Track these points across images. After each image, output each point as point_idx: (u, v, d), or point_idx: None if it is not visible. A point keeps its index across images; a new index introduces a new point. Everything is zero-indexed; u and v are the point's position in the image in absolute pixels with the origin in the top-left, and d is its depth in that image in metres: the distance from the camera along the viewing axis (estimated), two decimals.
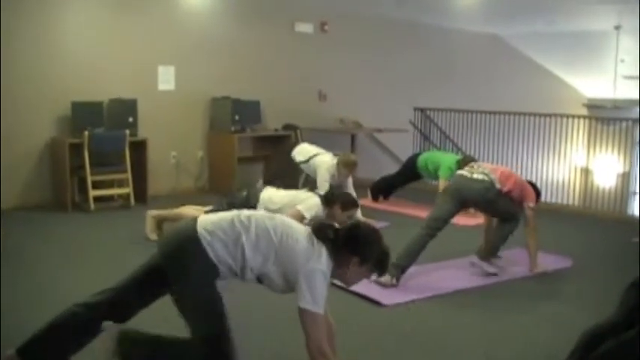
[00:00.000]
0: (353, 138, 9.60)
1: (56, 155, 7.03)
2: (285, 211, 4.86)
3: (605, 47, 10.94)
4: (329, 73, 9.63)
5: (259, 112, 8.55)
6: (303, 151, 6.74)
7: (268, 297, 2.89)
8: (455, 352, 3.54)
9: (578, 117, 9.34)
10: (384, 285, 4.43)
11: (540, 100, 11.60)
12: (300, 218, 4.73)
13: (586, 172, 10.42)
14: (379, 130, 9.77)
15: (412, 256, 4.60)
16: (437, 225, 4.75)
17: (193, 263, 2.62)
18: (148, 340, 2.73)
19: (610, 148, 9.65)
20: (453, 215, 4.80)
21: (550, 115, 9.09)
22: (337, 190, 5.77)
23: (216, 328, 2.63)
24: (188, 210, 5.60)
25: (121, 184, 7.25)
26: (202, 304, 2.64)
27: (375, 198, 7.80)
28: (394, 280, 4.47)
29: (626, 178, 10.47)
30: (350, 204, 5.10)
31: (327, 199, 5.09)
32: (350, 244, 2.69)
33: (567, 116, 9.10)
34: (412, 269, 4.65)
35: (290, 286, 2.66)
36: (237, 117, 8.17)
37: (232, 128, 8.14)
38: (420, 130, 10.20)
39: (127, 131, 7.10)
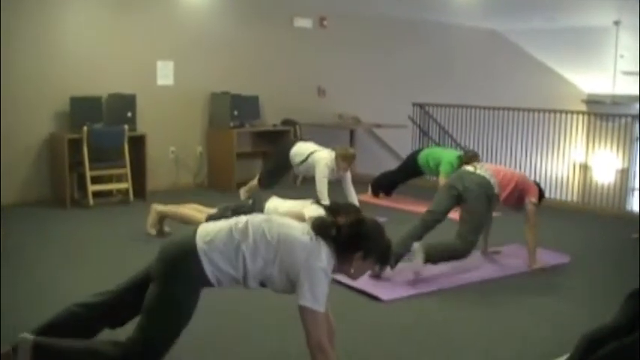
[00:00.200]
0: (352, 133, 9.60)
1: (55, 151, 7.02)
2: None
3: (604, 43, 10.93)
4: (328, 68, 9.62)
5: (258, 107, 8.55)
6: (299, 151, 6.68)
7: (269, 295, 2.88)
8: (454, 347, 3.54)
9: (577, 113, 9.33)
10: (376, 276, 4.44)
11: (539, 95, 11.60)
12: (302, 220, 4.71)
13: (585, 168, 10.43)
14: (378, 126, 9.77)
15: (406, 244, 4.59)
16: (432, 217, 4.76)
17: (180, 272, 2.60)
18: (62, 348, 2.66)
19: (609, 144, 9.65)
20: (448, 209, 4.80)
21: (549, 111, 9.09)
22: (342, 203, 5.73)
23: (157, 340, 2.61)
24: (191, 211, 5.58)
25: (119, 179, 7.25)
26: (163, 311, 2.61)
27: (375, 193, 7.80)
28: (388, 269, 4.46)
29: (625, 174, 10.47)
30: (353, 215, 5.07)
31: (332, 210, 5.07)
32: (353, 240, 2.68)
33: (566, 112, 9.09)
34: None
35: (294, 285, 2.64)
36: (236, 112, 8.16)
37: (231, 124, 8.13)
38: (419, 125, 10.19)
39: (126, 126, 7.09)
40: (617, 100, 11.80)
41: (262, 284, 2.70)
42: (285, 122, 8.86)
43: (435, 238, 4.74)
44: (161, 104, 7.90)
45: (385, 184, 7.83)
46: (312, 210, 4.98)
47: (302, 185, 8.28)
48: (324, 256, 2.62)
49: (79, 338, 2.74)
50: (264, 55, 8.84)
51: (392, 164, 8.74)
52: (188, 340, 3.11)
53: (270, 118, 8.87)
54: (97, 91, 7.25)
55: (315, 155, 6.54)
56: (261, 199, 5.26)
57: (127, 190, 7.17)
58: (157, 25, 7.84)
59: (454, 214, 4.92)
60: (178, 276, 2.61)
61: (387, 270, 4.39)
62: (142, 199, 7.16)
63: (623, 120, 9.21)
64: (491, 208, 4.89)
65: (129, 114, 7.30)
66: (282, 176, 7.13)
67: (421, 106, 10.18)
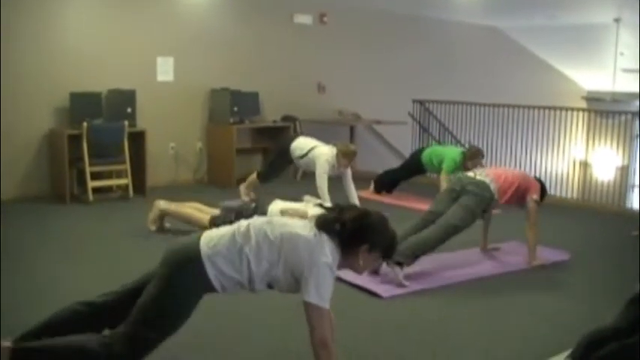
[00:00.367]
0: (352, 130, 9.60)
1: (55, 146, 7.01)
2: None
3: (604, 40, 10.92)
4: (328, 64, 9.61)
5: (258, 103, 8.54)
6: (300, 145, 6.69)
7: (268, 294, 2.87)
8: (454, 344, 3.54)
9: (578, 110, 9.33)
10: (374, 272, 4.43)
11: (539, 92, 11.58)
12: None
13: (585, 165, 10.42)
14: (378, 122, 9.76)
15: (406, 239, 4.59)
16: (430, 217, 4.76)
17: (182, 277, 2.60)
18: (42, 347, 2.64)
19: (609, 142, 9.64)
20: (447, 211, 4.78)
21: (549, 108, 9.08)
22: (344, 204, 5.73)
23: (144, 340, 2.60)
24: (194, 211, 5.57)
25: (119, 175, 7.24)
26: (157, 314, 2.60)
27: (378, 191, 7.80)
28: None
29: (625, 171, 10.46)
30: None
31: (335, 208, 5.05)
32: (359, 234, 2.67)
33: (566, 109, 9.09)
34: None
35: (299, 283, 2.62)
36: (235, 108, 8.15)
37: (231, 120, 8.13)
38: (419, 122, 10.19)
39: (126, 122, 7.08)
40: (617, 98, 11.79)
41: (269, 286, 2.69)
42: (285, 118, 8.86)
43: None
44: (161, 100, 7.89)
45: (387, 182, 7.83)
46: (316, 209, 4.97)
47: (302, 180, 8.28)
48: (328, 251, 2.60)
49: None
50: (264, 52, 8.83)
51: (392, 161, 8.74)
52: (188, 339, 3.12)
53: (270, 114, 8.87)
54: (97, 86, 7.24)
55: (316, 151, 6.54)
56: (264, 202, 5.25)
57: (126, 186, 7.16)
58: (157, 21, 7.83)
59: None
60: (180, 281, 2.60)
61: (384, 266, 4.39)
62: (141, 195, 7.16)
63: (623, 117, 9.20)
64: (487, 210, 4.90)
65: (129, 110, 7.30)
66: (282, 170, 7.13)
67: (421, 102, 10.17)
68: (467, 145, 8.47)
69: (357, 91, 9.90)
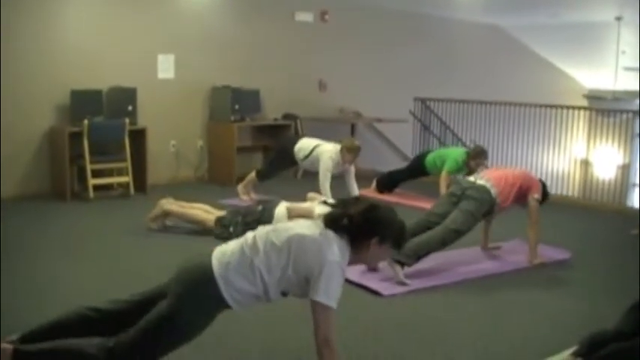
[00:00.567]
0: (353, 128, 9.58)
1: (55, 144, 7.01)
2: None
3: (605, 39, 10.91)
4: (329, 62, 9.60)
5: (259, 101, 8.53)
6: (304, 147, 6.69)
7: None
8: (454, 343, 3.54)
9: (579, 108, 9.32)
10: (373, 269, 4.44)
11: (540, 91, 11.58)
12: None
13: (586, 163, 10.42)
14: (379, 120, 9.75)
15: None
16: (430, 218, 4.76)
17: (195, 297, 2.58)
18: (42, 350, 2.64)
19: (610, 140, 9.63)
20: (447, 214, 4.76)
21: (550, 106, 9.07)
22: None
23: (144, 354, 2.59)
24: (200, 212, 5.55)
25: (120, 172, 7.23)
26: (164, 332, 2.58)
27: (380, 191, 7.79)
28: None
29: (625, 169, 10.47)
30: None
31: (341, 203, 5.04)
32: (367, 227, 2.64)
33: (567, 107, 9.08)
34: None
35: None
36: (236, 106, 8.14)
37: (232, 117, 8.12)
38: (420, 120, 10.18)
39: (127, 120, 7.08)
40: (618, 96, 11.78)
41: (284, 294, 2.68)
42: (286, 116, 8.85)
43: None
44: (162, 98, 7.88)
45: (389, 184, 7.81)
46: (322, 208, 4.95)
47: (303, 179, 8.28)
48: (336, 248, 2.59)
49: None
50: (266, 49, 8.82)
51: (393, 159, 8.73)
52: None
53: (271, 112, 8.86)
54: (98, 84, 7.23)
55: (319, 148, 6.54)
56: (270, 205, 5.22)
57: (127, 184, 7.16)
58: (157, 18, 7.82)
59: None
60: (193, 301, 2.58)
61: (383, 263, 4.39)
62: (142, 193, 7.16)
63: (624, 116, 9.20)
64: (489, 214, 4.89)
65: (129, 107, 7.29)
66: (282, 170, 7.13)
67: (422, 100, 10.17)
68: (468, 144, 8.46)
69: (358, 89, 9.89)
